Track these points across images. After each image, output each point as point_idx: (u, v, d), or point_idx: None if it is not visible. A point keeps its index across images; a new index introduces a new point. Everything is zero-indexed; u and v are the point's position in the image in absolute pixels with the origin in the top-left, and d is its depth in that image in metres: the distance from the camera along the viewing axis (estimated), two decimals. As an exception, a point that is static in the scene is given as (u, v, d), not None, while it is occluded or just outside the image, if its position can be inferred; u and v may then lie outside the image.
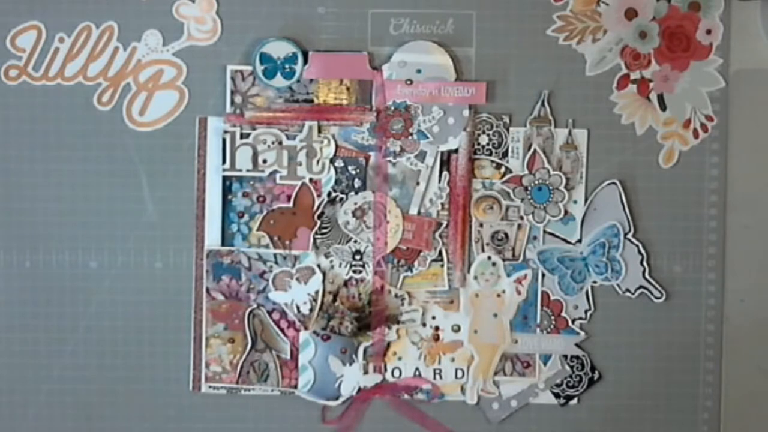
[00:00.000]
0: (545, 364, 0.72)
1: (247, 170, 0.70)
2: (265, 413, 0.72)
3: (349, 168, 0.71)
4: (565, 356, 0.72)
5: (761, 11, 0.72)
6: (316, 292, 0.71)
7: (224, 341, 0.72)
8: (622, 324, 0.72)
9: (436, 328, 0.72)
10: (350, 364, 0.71)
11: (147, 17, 0.70)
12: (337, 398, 0.72)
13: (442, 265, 0.72)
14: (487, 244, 0.72)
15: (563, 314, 0.72)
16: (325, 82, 0.70)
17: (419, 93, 0.70)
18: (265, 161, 0.70)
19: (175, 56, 0.70)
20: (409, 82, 0.70)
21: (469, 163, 0.71)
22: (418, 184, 0.71)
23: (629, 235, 0.71)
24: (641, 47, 0.71)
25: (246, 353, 0.71)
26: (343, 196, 0.71)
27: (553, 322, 0.72)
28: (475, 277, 0.72)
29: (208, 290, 0.71)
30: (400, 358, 0.72)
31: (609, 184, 0.71)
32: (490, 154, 0.71)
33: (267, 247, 0.71)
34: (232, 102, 0.71)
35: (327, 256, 0.71)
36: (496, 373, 0.72)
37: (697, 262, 0.72)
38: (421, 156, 0.71)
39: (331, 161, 0.71)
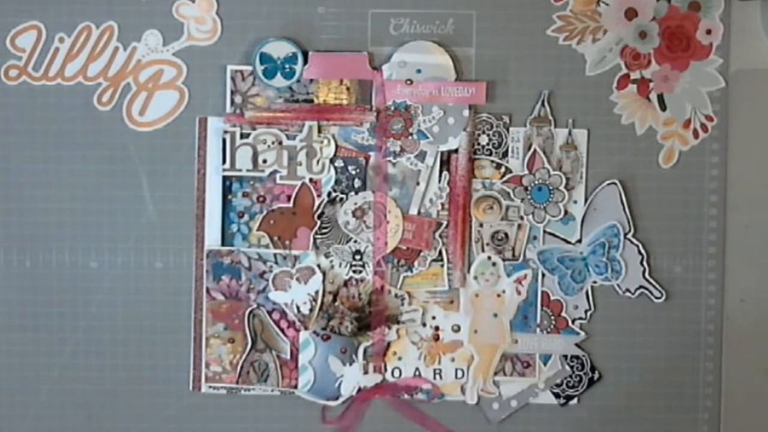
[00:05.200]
0: (545, 364, 0.72)
1: (247, 170, 0.70)
2: (265, 413, 0.72)
3: (349, 168, 0.71)
4: (565, 356, 0.72)
5: (761, 11, 0.72)
6: (316, 292, 0.71)
7: (224, 341, 0.72)
8: (622, 324, 0.72)
9: (436, 328, 0.72)
10: (350, 364, 0.71)
11: (147, 17, 0.70)
12: (337, 398, 0.72)
13: (442, 265, 0.72)
14: (487, 244, 0.72)
15: (563, 314, 0.72)
16: (325, 82, 0.70)
17: (419, 93, 0.70)
18: (265, 161, 0.70)
19: (175, 56, 0.70)
20: (409, 82, 0.70)
21: (469, 163, 0.71)
22: (418, 184, 0.71)
23: (629, 235, 0.71)
24: (641, 47, 0.71)
25: (246, 353, 0.71)
26: (343, 196, 0.71)
27: (553, 322, 0.72)
28: (475, 277, 0.72)
29: (208, 290, 0.71)
30: (400, 358, 0.72)
31: (609, 184, 0.71)
32: (490, 154, 0.71)
33: (267, 247, 0.71)
34: (232, 102, 0.71)
35: (327, 256, 0.71)
36: (496, 373, 0.72)
37: (697, 262, 0.72)
38: (421, 156, 0.71)
39: (331, 161, 0.71)
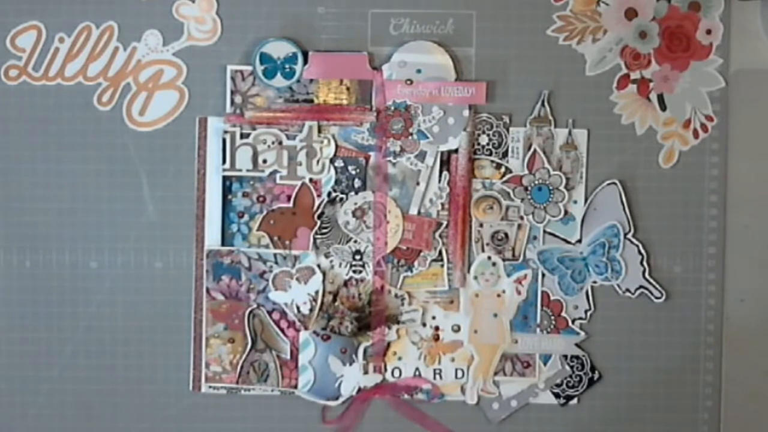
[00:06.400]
0: (545, 364, 0.72)
1: (247, 170, 0.70)
2: (265, 413, 0.72)
3: (349, 168, 0.71)
4: (565, 356, 0.72)
5: (761, 11, 0.72)
6: (316, 292, 0.71)
7: (224, 341, 0.72)
8: (622, 324, 0.72)
9: (436, 328, 0.72)
10: (350, 364, 0.71)
11: (147, 17, 0.70)
12: (337, 398, 0.72)
13: (442, 265, 0.72)
14: (487, 244, 0.72)
15: (563, 314, 0.72)
16: (325, 82, 0.70)
17: (419, 93, 0.70)
18: (265, 161, 0.70)
19: (175, 56, 0.70)
20: (409, 82, 0.70)
21: (469, 163, 0.71)
22: (418, 184, 0.71)
23: (629, 235, 0.71)
24: (641, 47, 0.71)
25: (246, 353, 0.71)
26: (343, 196, 0.71)
27: (553, 322, 0.72)
28: (475, 277, 0.72)
29: (208, 290, 0.71)
30: (400, 358, 0.72)
31: (609, 184, 0.71)
32: (490, 154, 0.71)
33: (267, 247, 0.71)
34: (232, 102, 0.71)
35: (327, 256, 0.71)
36: (496, 373, 0.72)
37: (697, 262, 0.72)
38: (421, 156, 0.71)
39: (331, 161, 0.71)
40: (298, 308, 0.71)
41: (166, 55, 0.70)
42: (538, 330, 0.72)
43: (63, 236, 0.71)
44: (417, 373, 0.72)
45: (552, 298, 0.72)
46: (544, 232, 0.72)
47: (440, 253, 0.72)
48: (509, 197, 0.71)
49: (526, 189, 0.71)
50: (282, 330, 0.72)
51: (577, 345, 0.72)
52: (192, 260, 0.71)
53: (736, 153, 0.72)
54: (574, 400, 0.73)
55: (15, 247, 0.71)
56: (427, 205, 0.71)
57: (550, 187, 0.71)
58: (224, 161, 0.70)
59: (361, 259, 0.71)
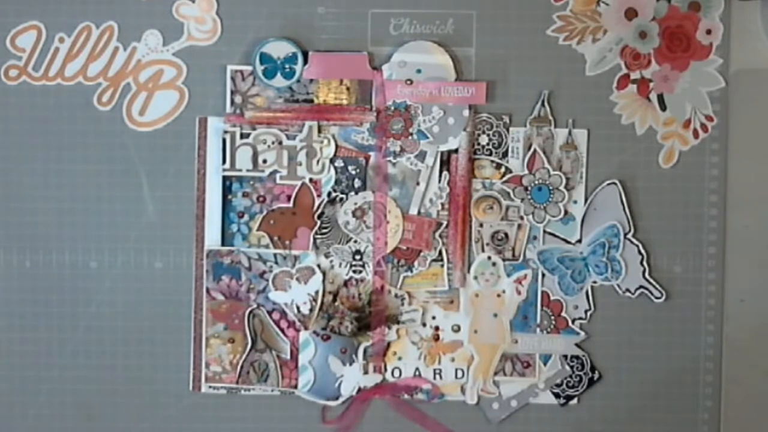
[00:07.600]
0: (545, 364, 0.72)
1: (247, 170, 0.70)
2: (265, 413, 0.72)
3: (349, 168, 0.71)
4: (565, 356, 0.72)
5: (761, 11, 0.72)
6: (316, 292, 0.71)
7: (224, 341, 0.72)
8: (622, 324, 0.72)
9: (436, 328, 0.72)
10: (350, 364, 0.71)
11: (147, 17, 0.70)
12: (337, 398, 0.72)
13: (442, 265, 0.72)
14: (487, 244, 0.72)
15: (563, 314, 0.72)
16: (325, 82, 0.70)
17: (419, 93, 0.70)
18: (265, 161, 0.70)
19: (175, 56, 0.70)
20: (409, 82, 0.70)
21: (469, 163, 0.71)
22: (418, 184, 0.71)
23: (629, 235, 0.71)
24: (641, 47, 0.71)
25: (246, 353, 0.72)
26: (343, 196, 0.71)
27: (553, 322, 0.72)
28: (475, 277, 0.72)
29: (208, 290, 0.71)
30: (400, 358, 0.72)
31: (609, 184, 0.71)
32: (490, 154, 0.71)
33: (267, 247, 0.71)
34: (232, 102, 0.71)
35: (327, 256, 0.71)
36: (496, 373, 0.72)
37: (697, 262, 0.72)
38: (421, 156, 0.71)
39: (331, 161, 0.71)
40: (298, 308, 0.71)
41: (166, 55, 0.70)
42: (538, 330, 0.72)
43: (63, 236, 0.71)
44: (417, 373, 0.72)
45: (552, 298, 0.72)
46: (544, 232, 0.72)
47: (440, 253, 0.72)
48: (509, 197, 0.71)
49: (526, 189, 0.71)
50: (282, 330, 0.72)
51: (577, 345, 0.72)
52: (192, 260, 0.71)
53: (736, 153, 0.72)
54: (574, 400, 0.73)
55: (15, 247, 0.71)
56: (427, 205, 0.71)
57: (550, 187, 0.71)
58: (224, 161, 0.70)
59: (361, 259, 0.71)
